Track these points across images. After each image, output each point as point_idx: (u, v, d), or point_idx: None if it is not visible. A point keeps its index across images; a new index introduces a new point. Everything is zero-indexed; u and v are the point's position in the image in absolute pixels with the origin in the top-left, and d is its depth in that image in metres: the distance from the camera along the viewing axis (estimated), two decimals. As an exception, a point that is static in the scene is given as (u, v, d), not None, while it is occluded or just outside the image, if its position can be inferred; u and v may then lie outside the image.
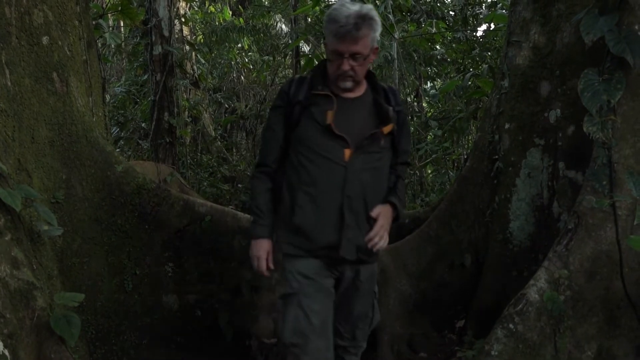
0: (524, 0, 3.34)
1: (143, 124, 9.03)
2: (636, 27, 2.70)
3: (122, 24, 10.28)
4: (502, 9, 7.07)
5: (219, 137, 11.50)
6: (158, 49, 6.34)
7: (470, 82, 6.16)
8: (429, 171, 8.89)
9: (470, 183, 3.53)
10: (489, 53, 7.09)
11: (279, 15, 11.77)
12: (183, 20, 8.99)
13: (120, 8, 4.59)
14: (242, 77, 12.45)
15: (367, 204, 2.18)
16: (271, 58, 11.44)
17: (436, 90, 9.01)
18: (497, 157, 3.40)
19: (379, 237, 2.14)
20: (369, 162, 2.18)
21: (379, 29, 2.13)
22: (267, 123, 2.33)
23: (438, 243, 3.53)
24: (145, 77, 8.97)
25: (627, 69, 2.66)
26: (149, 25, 6.39)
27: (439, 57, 8.36)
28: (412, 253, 3.54)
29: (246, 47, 12.01)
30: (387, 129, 2.21)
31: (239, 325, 3.29)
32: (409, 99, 9.10)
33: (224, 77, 12.04)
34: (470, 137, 7.26)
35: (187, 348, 3.24)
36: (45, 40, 2.95)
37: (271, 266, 2.29)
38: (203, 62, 10.95)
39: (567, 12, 3.10)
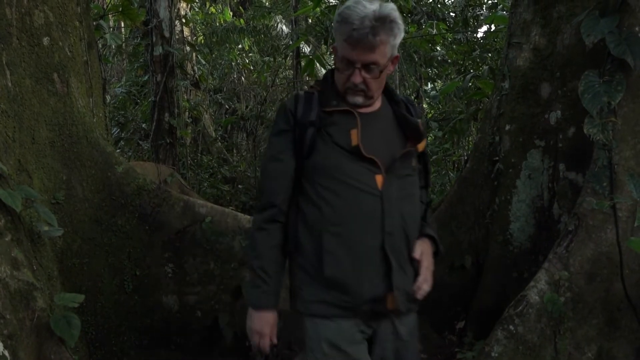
0: (524, 1, 3.34)
1: (143, 125, 9.04)
2: (637, 28, 2.70)
3: (122, 25, 10.29)
4: (502, 10, 7.07)
5: (219, 138, 11.51)
6: (159, 50, 6.35)
7: (470, 84, 6.17)
8: (430, 172, 8.87)
9: (471, 184, 3.53)
10: (490, 54, 7.10)
11: (280, 16, 11.78)
12: (184, 21, 9.00)
13: (120, 9, 4.60)
14: (243, 78, 12.46)
15: (409, 240, 1.78)
16: (272, 59, 11.45)
17: (437, 92, 9.01)
18: (497, 158, 3.40)
19: (427, 283, 1.77)
20: (404, 188, 1.78)
21: (401, 34, 1.75)
22: (269, 152, 1.86)
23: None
24: (146, 77, 8.98)
25: (627, 71, 2.66)
26: (149, 26, 6.39)
27: (439, 58, 8.36)
28: (412, 254, 3.53)
29: (247, 48, 12.02)
30: (421, 145, 1.87)
31: (239, 326, 3.29)
32: (409, 100, 9.08)
33: (225, 78, 12.05)
34: (470, 139, 7.27)
35: (187, 349, 3.24)
36: (46, 41, 2.95)
37: (274, 341, 1.90)
38: (204, 63, 10.95)
39: (567, 13, 3.10)
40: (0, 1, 2.71)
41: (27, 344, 2.03)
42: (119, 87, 10.32)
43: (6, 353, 1.87)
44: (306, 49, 10.83)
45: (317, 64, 8.09)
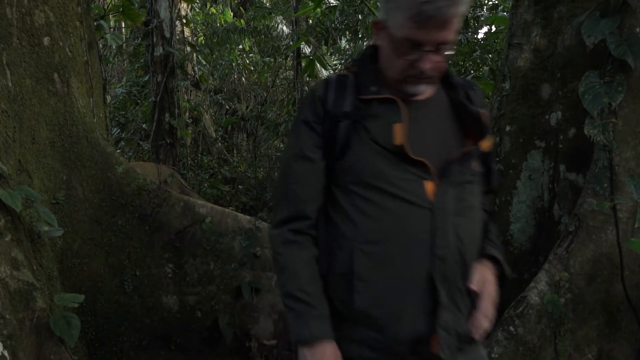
0: (525, 2, 3.34)
1: (144, 125, 9.04)
2: (637, 29, 2.70)
3: (123, 25, 10.30)
4: (503, 11, 7.07)
5: (219, 139, 11.51)
6: (159, 50, 6.35)
7: (471, 84, 6.15)
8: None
9: (471, 185, 3.53)
10: (490, 55, 7.10)
11: (280, 17, 11.78)
12: (184, 21, 9.01)
13: (121, 9, 4.60)
14: (243, 79, 12.47)
15: (466, 266, 1.40)
16: (272, 59, 11.45)
17: (437, 92, 9.00)
18: (497, 159, 3.39)
19: (487, 319, 1.43)
20: (462, 199, 1.39)
21: None
22: (294, 148, 1.47)
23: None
24: (146, 78, 8.98)
25: (628, 72, 2.65)
26: (150, 27, 6.39)
27: (439, 59, 8.34)
28: (412, 255, 3.53)
29: (247, 48, 12.03)
30: (486, 143, 1.48)
31: (239, 326, 3.29)
32: (409, 101, 9.09)
33: (225, 78, 12.05)
34: (470, 139, 7.25)
35: (187, 349, 3.24)
36: (46, 41, 2.95)
37: None
38: (204, 63, 10.96)
39: (568, 14, 3.09)
40: (1, 1, 2.71)
41: (27, 344, 2.03)
42: (120, 87, 10.33)
43: (6, 353, 1.87)
44: (307, 50, 10.83)
45: (318, 65, 8.10)
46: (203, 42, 11.13)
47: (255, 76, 12.18)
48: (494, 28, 7.36)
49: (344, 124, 1.41)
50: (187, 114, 9.27)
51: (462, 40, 8.09)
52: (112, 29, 5.38)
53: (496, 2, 7.82)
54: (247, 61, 12.15)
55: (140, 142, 9.01)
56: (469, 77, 6.15)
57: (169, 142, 6.44)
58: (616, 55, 2.62)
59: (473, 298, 1.42)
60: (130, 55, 10.47)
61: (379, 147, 1.38)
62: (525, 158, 3.25)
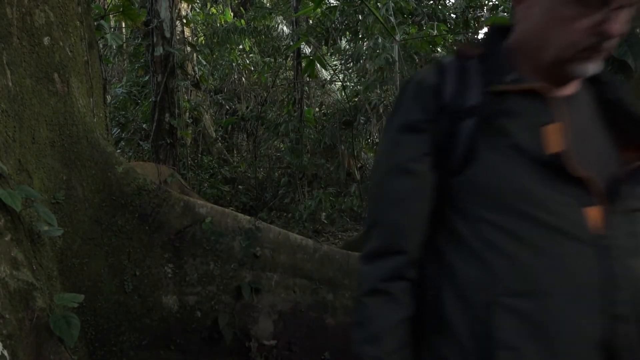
0: (525, 3, 3.33)
1: (144, 125, 9.05)
2: (638, 30, 2.69)
3: (123, 25, 10.30)
4: (503, 11, 7.07)
5: (219, 139, 11.52)
6: (159, 50, 6.35)
7: (471, 85, 6.16)
8: (430, 173, 8.89)
9: (471, 185, 3.52)
10: (490, 56, 7.09)
11: (281, 17, 11.79)
12: (184, 21, 9.01)
13: (121, 9, 4.60)
14: (243, 79, 12.48)
15: None
16: (272, 60, 11.45)
17: (437, 93, 9.01)
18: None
19: None
20: (635, 234, 1.00)
21: None
22: (391, 160, 1.11)
23: (438, 245, 3.53)
24: (146, 78, 8.99)
25: (628, 72, 2.65)
26: (150, 27, 6.40)
27: (440, 59, 8.36)
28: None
29: (247, 48, 12.03)
30: None
31: (238, 326, 3.29)
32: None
33: (225, 78, 12.06)
34: (471, 140, 7.26)
35: (186, 349, 3.24)
36: (46, 40, 2.95)
37: None
38: (204, 63, 10.97)
39: (568, 15, 3.09)
40: (1, 1, 2.71)
41: (27, 344, 2.02)
42: (120, 87, 10.33)
43: (5, 353, 1.87)
44: (307, 50, 10.84)
45: (318, 65, 8.10)
46: (203, 42, 11.14)
47: (255, 76, 12.19)
48: (494, 28, 7.35)
49: (468, 123, 1.02)
50: (187, 114, 9.27)
51: (463, 40, 8.10)
52: (112, 29, 5.38)
53: (496, 2, 7.83)
54: (247, 61, 12.16)
55: (140, 142, 9.02)
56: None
57: (169, 142, 6.44)
58: (616, 55, 2.62)
59: None
60: (131, 55, 10.47)
61: (524, 157, 0.98)
62: (525, 158, 3.24)
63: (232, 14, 12.20)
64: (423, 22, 8.28)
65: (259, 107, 10.75)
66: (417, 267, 1.08)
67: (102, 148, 3.18)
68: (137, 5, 5.92)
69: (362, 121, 10.08)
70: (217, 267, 3.30)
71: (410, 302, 1.07)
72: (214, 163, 10.31)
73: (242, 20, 11.03)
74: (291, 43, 9.87)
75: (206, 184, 9.15)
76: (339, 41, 9.87)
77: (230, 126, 11.87)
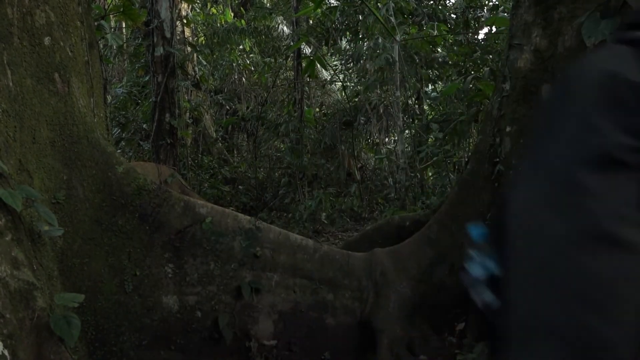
0: (525, 3, 3.34)
1: (144, 125, 9.05)
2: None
3: (123, 25, 10.30)
4: (503, 12, 7.07)
5: (219, 139, 11.52)
6: (159, 50, 6.35)
7: (471, 85, 6.17)
8: (430, 174, 8.90)
9: (471, 186, 3.53)
10: (491, 56, 7.10)
11: (281, 17, 11.79)
12: (185, 21, 9.02)
13: (122, 9, 4.60)
14: (244, 79, 12.48)
15: None
16: (272, 60, 11.46)
17: (437, 93, 9.02)
18: (498, 160, 3.39)
19: None
20: None
21: None
22: (572, 222, 0.61)
23: (438, 246, 3.53)
24: (147, 78, 8.99)
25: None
26: (150, 27, 6.40)
27: (440, 59, 8.37)
28: (412, 256, 3.54)
29: (247, 48, 12.03)
30: None
31: (239, 326, 3.29)
32: (410, 102, 9.11)
33: (225, 78, 12.06)
34: (471, 140, 7.27)
35: (186, 349, 3.24)
36: (47, 40, 2.95)
37: None
38: (204, 63, 10.97)
39: (568, 15, 3.10)
40: (2, 1, 2.71)
41: (27, 343, 2.03)
42: (120, 87, 10.34)
43: (6, 352, 1.87)
44: (307, 50, 10.84)
45: (318, 65, 8.10)
46: (203, 42, 11.14)
47: (255, 76, 12.19)
48: (494, 29, 7.36)
49: None
50: (188, 114, 9.27)
51: (463, 40, 8.10)
52: (112, 29, 5.38)
53: (496, 2, 7.83)
54: (248, 61, 12.16)
55: (141, 142, 9.02)
56: (469, 78, 6.15)
57: (169, 142, 6.44)
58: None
59: None
60: (131, 56, 10.48)
61: None
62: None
63: (232, 14, 12.21)
64: (423, 22, 8.28)
65: (259, 107, 10.75)
66: None
67: (102, 148, 3.18)
68: (137, 6, 5.93)
69: (362, 121, 10.08)
70: (217, 267, 3.30)
71: None
72: (214, 163, 10.32)
73: (243, 21, 11.04)
74: (291, 43, 9.87)
75: (206, 184, 9.15)
76: (339, 41, 9.87)
77: (230, 126, 11.88)
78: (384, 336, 3.25)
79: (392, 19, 6.52)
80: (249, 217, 3.47)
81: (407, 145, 7.58)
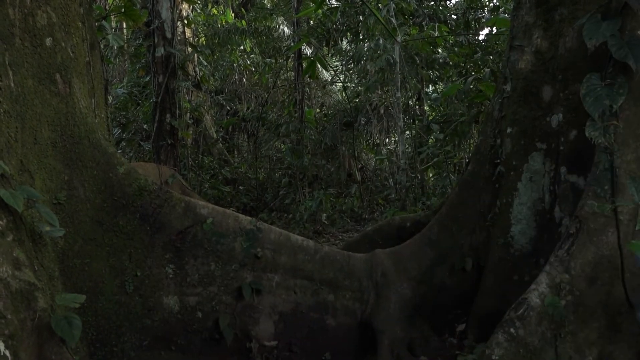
0: (526, 4, 3.34)
1: (145, 126, 9.06)
2: (638, 32, 2.70)
3: (124, 26, 10.31)
4: (504, 13, 7.08)
5: (220, 139, 11.53)
6: (160, 51, 6.36)
7: (472, 86, 6.17)
8: (430, 175, 8.91)
9: (472, 187, 3.53)
10: (491, 57, 7.11)
11: (281, 18, 11.80)
12: (185, 22, 9.03)
13: (123, 10, 4.61)
14: (244, 79, 12.48)
15: None
16: (273, 60, 11.46)
17: (438, 94, 9.03)
18: (498, 161, 3.40)
19: None
20: None
21: None
22: None
23: (439, 247, 3.53)
24: (148, 78, 9.00)
25: (629, 74, 2.66)
26: (151, 27, 6.41)
27: (441, 60, 8.37)
28: (412, 257, 3.54)
29: (248, 49, 12.04)
30: None
31: (239, 327, 3.29)
32: (410, 102, 9.12)
33: (226, 79, 12.07)
34: (471, 141, 7.27)
35: (187, 350, 3.24)
36: (48, 41, 2.95)
37: None
38: (205, 64, 10.98)
39: (569, 16, 3.10)
40: (4, 1, 2.72)
41: (28, 344, 2.03)
42: (121, 87, 10.34)
43: (7, 353, 1.87)
44: (308, 51, 10.84)
45: (319, 66, 8.11)
46: (204, 42, 11.15)
47: (256, 77, 12.20)
48: (495, 30, 7.37)
49: None
50: (188, 114, 9.28)
51: (463, 41, 8.10)
52: (113, 30, 5.39)
53: (497, 3, 7.83)
54: (248, 62, 12.17)
55: (142, 143, 9.03)
56: (470, 79, 6.15)
57: (170, 142, 6.45)
58: (617, 57, 2.63)
59: None
60: (132, 56, 10.48)
61: None
62: (526, 160, 3.25)
63: (233, 14, 12.21)
64: (424, 23, 8.28)
65: (260, 107, 10.75)
66: None
67: (103, 148, 3.19)
68: (138, 6, 5.93)
69: (362, 122, 10.09)
70: (218, 268, 3.31)
71: None
72: (215, 164, 10.32)
73: (243, 21, 11.05)
74: (292, 44, 9.88)
75: (207, 185, 9.15)
76: (339, 42, 9.88)
77: (231, 127, 11.88)
78: (385, 337, 3.25)
79: (393, 19, 6.52)
80: (249, 218, 3.48)
81: (407, 146, 7.58)
